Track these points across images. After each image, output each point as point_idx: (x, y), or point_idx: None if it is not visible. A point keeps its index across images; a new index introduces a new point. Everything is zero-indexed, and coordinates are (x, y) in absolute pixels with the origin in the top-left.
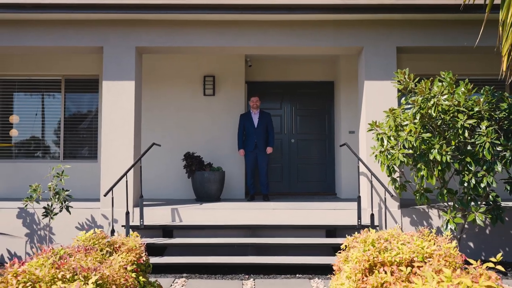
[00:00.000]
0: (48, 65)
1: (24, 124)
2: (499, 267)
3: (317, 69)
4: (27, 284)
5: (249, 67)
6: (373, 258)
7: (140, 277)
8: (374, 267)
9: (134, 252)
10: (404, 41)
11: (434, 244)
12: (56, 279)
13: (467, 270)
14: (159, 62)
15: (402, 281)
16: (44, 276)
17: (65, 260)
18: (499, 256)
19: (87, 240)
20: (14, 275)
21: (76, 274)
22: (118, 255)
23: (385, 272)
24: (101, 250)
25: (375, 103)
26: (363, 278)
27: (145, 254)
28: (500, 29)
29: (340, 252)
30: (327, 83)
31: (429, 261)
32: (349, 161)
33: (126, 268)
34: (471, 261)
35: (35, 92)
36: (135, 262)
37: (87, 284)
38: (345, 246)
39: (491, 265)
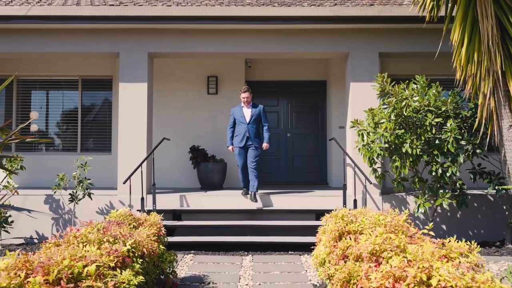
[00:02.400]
0: (66, 66)
1: (43, 119)
2: (431, 233)
3: (311, 70)
4: (84, 243)
5: (248, 68)
6: (342, 228)
7: (160, 246)
8: (342, 235)
9: (155, 226)
10: (385, 47)
11: (391, 218)
12: (102, 242)
13: (410, 236)
14: (166, 64)
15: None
16: (94, 239)
17: (107, 229)
18: (431, 225)
19: (118, 216)
20: (74, 236)
21: (117, 239)
22: (143, 228)
23: (350, 239)
24: (129, 225)
25: (359, 102)
26: (334, 244)
27: (164, 228)
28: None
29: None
30: (320, 82)
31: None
32: (339, 153)
33: (150, 238)
34: (412, 229)
35: (54, 91)
36: (156, 234)
37: (125, 245)
38: (324, 222)
39: (425, 231)
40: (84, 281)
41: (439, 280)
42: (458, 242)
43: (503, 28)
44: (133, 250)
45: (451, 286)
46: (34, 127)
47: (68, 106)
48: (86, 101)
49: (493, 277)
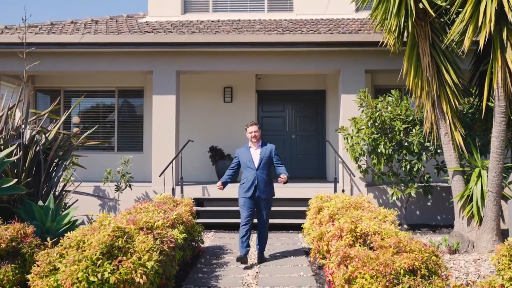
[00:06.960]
0: (104, 79)
1: (85, 123)
2: (379, 206)
3: (313, 80)
4: (148, 212)
5: (258, 80)
6: (320, 205)
7: (193, 219)
8: (320, 210)
9: (189, 206)
10: (370, 65)
11: (354, 199)
12: (156, 212)
13: (363, 209)
14: (190, 78)
15: None
16: (153, 210)
17: (159, 205)
18: (374, 202)
19: (162, 199)
20: (140, 208)
21: (166, 211)
22: (181, 206)
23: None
24: (170, 204)
25: (349, 110)
26: (315, 216)
27: (194, 208)
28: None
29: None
30: (320, 91)
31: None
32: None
33: (187, 212)
34: (366, 204)
35: (94, 99)
36: (189, 211)
37: (172, 215)
38: (310, 202)
39: (380, 204)
40: (155, 230)
41: (361, 229)
42: (384, 209)
43: (437, 63)
44: (177, 218)
45: (367, 231)
46: (76, 130)
47: (106, 112)
48: (121, 108)
49: (394, 228)
